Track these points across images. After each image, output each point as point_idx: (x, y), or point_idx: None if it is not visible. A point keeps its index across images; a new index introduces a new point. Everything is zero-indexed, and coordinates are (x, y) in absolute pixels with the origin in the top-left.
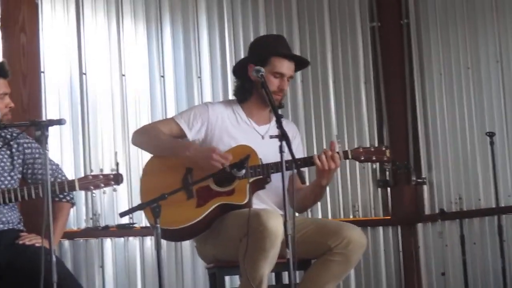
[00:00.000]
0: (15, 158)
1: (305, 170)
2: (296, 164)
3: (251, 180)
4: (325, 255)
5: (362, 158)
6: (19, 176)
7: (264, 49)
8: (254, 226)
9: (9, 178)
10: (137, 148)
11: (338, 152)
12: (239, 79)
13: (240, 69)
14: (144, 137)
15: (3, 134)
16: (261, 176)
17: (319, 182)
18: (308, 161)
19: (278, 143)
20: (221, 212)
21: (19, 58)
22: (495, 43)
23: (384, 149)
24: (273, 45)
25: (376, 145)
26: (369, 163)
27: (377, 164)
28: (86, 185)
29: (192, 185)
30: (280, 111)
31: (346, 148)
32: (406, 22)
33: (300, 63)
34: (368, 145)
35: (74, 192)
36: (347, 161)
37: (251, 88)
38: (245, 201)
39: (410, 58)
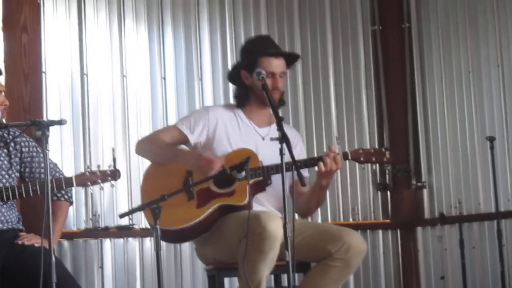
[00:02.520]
0: (13, 156)
1: (305, 170)
2: (296, 166)
3: (251, 181)
4: (325, 260)
5: (362, 159)
6: (17, 174)
7: (251, 53)
8: (253, 228)
9: (7, 176)
10: None
11: (338, 154)
12: (235, 85)
13: (234, 76)
14: (147, 146)
15: (0, 133)
16: (261, 178)
17: (319, 182)
18: (308, 163)
19: (279, 145)
20: (222, 213)
21: (20, 58)
22: (496, 48)
23: (384, 150)
24: (259, 47)
25: (376, 146)
26: (369, 165)
27: (377, 166)
28: (83, 181)
29: (192, 186)
30: (281, 113)
31: (339, 145)
32: (407, 26)
33: (291, 58)
34: (368, 147)
35: (74, 192)
36: (347, 164)
37: (247, 93)
38: (245, 202)
39: (411, 62)
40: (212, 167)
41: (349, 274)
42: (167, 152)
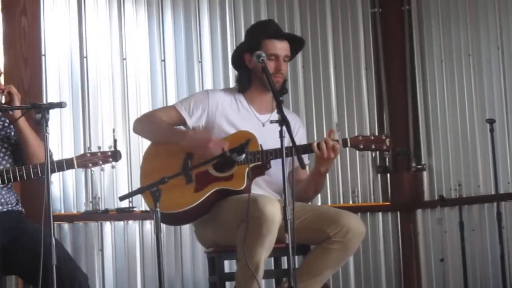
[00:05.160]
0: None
1: (306, 156)
2: (296, 149)
3: (250, 166)
4: (324, 242)
5: (361, 147)
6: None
7: (255, 35)
8: (251, 212)
9: (6, 158)
10: None
11: (337, 140)
12: (237, 69)
13: (237, 59)
14: (144, 125)
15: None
16: (260, 162)
17: (318, 169)
18: (307, 149)
19: (279, 130)
20: (219, 197)
21: (20, 41)
22: (496, 30)
23: (384, 137)
24: (263, 29)
25: (376, 133)
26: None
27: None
28: (84, 162)
29: (191, 170)
30: (282, 97)
31: (346, 135)
32: (407, 8)
33: (296, 44)
34: (368, 133)
35: (74, 174)
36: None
37: (249, 76)
38: (243, 187)
39: (411, 44)
40: (213, 148)
41: (348, 257)
42: (167, 132)
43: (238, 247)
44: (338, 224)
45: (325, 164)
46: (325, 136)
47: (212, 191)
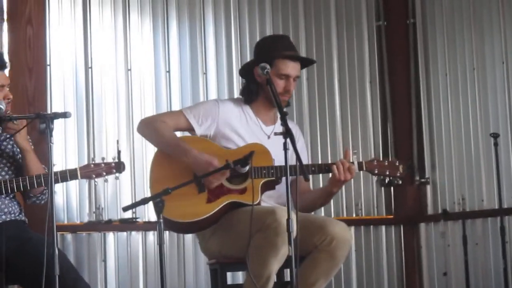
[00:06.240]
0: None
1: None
2: (300, 160)
3: (264, 180)
4: (312, 252)
5: (376, 172)
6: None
7: (268, 52)
8: (268, 222)
9: (10, 172)
10: (141, 143)
11: (353, 163)
12: (246, 80)
13: (246, 71)
14: (149, 129)
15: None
16: (273, 178)
17: (331, 189)
18: (323, 168)
19: (283, 142)
20: (230, 209)
21: (25, 51)
22: (500, 44)
23: (397, 164)
24: (277, 47)
25: (389, 158)
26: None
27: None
28: (88, 173)
29: (200, 178)
30: (285, 109)
31: (350, 149)
32: (412, 22)
33: (306, 62)
34: (372, 146)
35: (78, 185)
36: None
37: (256, 89)
38: (256, 202)
39: (415, 58)
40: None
41: (337, 266)
42: (170, 144)
43: (251, 257)
44: (323, 232)
45: (339, 184)
46: (329, 148)
47: (226, 203)
